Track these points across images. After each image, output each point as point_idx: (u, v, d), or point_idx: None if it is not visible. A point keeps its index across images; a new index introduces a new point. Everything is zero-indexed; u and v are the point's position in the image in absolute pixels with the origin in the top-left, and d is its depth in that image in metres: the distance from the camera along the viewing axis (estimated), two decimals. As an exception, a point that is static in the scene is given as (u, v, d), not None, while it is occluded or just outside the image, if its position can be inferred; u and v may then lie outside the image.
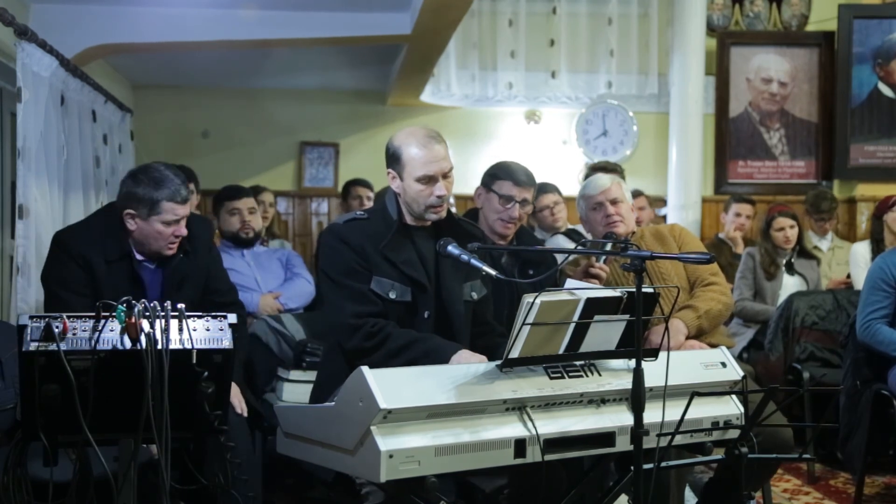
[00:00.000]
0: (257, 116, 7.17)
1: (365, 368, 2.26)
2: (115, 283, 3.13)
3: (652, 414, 2.36)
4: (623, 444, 2.47)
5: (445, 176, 2.93)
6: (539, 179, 5.96)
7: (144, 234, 3.17)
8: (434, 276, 2.99)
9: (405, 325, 2.93)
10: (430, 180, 2.90)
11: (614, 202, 3.57)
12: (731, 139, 7.32)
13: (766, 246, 5.42)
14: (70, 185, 4.35)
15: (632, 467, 2.36)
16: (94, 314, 2.27)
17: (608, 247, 3.23)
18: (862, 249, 5.53)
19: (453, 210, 3.40)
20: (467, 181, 5.85)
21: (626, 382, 2.45)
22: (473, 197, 3.79)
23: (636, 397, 2.32)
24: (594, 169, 4.79)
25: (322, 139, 7.27)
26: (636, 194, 6.25)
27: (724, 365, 2.73)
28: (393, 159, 2.97)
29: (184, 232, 3.21)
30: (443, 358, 2.73)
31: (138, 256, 3.22)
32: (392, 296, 2.91)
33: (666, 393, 2.41)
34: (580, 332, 2.44)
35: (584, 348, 2.48)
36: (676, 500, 3.12)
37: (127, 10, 4.94)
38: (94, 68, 5.23)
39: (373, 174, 6.44)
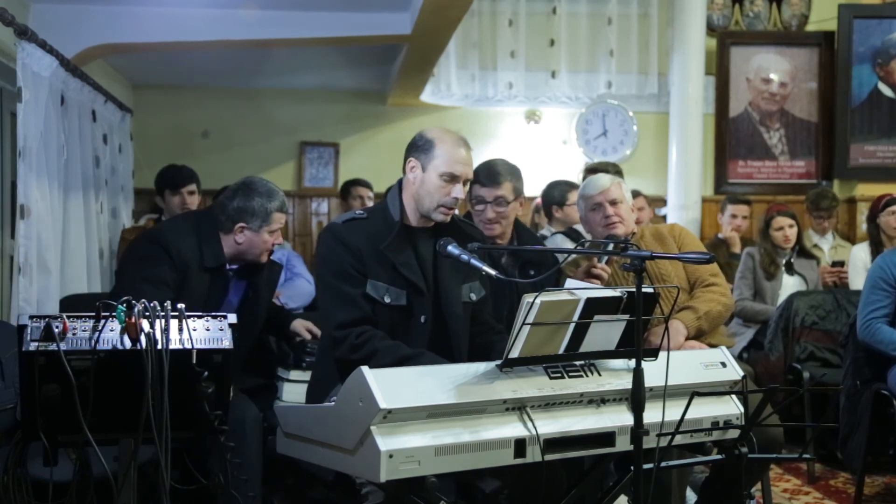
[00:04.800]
0: (257, 116, 7.17)
1: (365, 368, 2.25)
2: (204, 290, 3.34)
3: (652, 414, 2.36)
4: (623, 444, 2.47)
5: (465, 182, 2.96)
6: (539, 179, 6.00)
7: (252, 244, 3.40)
8: (433, 279, 2.99)
9: (401, 329, 2.92)
10: (452, 179, 2.91)
11: (613, 203, 3.56)
12: (731, 139, 7.32)
13: (765, 246, 5.43)
14: (70, 185, 4.35)
15: (632, 467, 2.36)
16: (93, 314, 2.27)
17: (610, 247, 3.22)
18: (861, 252, 5.54)
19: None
20: (467, 181, 5.85)
21: (626, 382, 2.44)
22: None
23: (636, 397, 2.32)
24: (590, 171, 4.78)
25: (322, 139, 7.27)
26: (634, 195, 6.25)
27: (723, 365, 2.73)
28: (422, 149, 2.95)
29: (280, 239, 3.48)
30: None
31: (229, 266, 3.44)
32: (387, 300, 2.90)
33: (666, 393, 2.40)
34: (580, 332, 2.44)
35: (584, 348, 2.48)
36: (678, 501, 3.12)
37: (127, 10, 4.94)
38: (94, 68, 5.23)
39: (373, 174, 6.44)
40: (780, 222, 5.43)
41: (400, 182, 3.04)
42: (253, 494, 3.03)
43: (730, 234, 6.14)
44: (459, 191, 2.93)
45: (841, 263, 5.62)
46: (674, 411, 2.41)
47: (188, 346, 2.28)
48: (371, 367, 2.26)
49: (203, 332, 2.35)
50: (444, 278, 2.99)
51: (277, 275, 3.69)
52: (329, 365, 2.97)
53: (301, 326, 3.75)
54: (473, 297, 3.07)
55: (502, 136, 7.30)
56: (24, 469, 2.36)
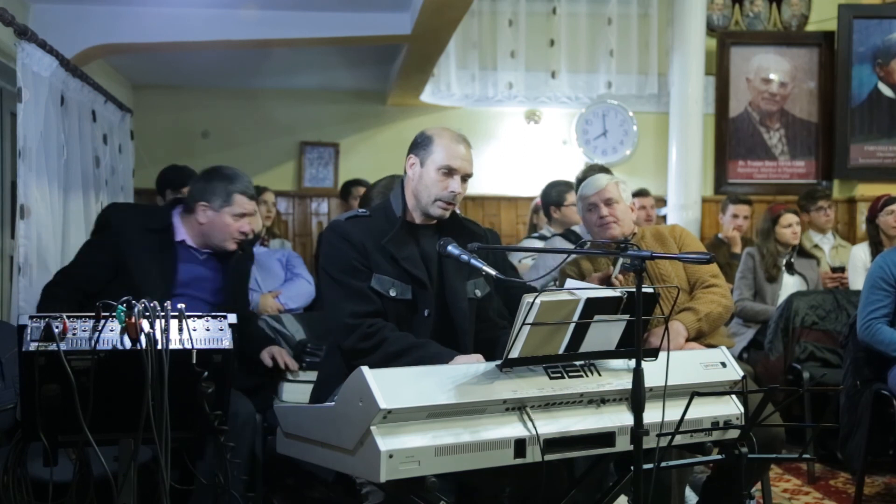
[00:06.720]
0: (257, 116, 7.18)
1: (365, 368, 2.25)
2: (151, 252, 3.37)
3: (652, 414, 2.36)
4: (623, 444, 2.47)
5: (464, 178, 2.97)
6: (539, 180, 5.99)
7: (214, 226, 3.42)
8: (437, 275, 3.00)
9: (405, 323, 2.93)
10: (450, 173, 2.93)
11: (609, 203, 3.55)
12: (731, 139, 7.33)
13: (767, 246, 5.43)
14: (70, 185, 4.35)
15: (632, 467, 2.36)
16: (93, 314, 2.27)
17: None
18: (861, 252, 5.55)
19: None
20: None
21: (626, 382, 2.45)
22: None
23: (636, 397, 2.32)
24: (579, 181, 4.75)
25: (322, 139, 7.28)
26: (643, 193, 6.27)
27: (723, 365, 2.73)
28: (421, 145, 2.98)
29: (248, 229, 3.46)
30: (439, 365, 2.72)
31: (194, 246, 3.46)
32: (392, 294, 2.91)
33: (666, 393, 2.41)
34: (580, 332, 2.44)
35: (584, 348, 2.48)
36: (678, 501, 3.12)
37: (127, 10, 4.94)
38: (94, 68, 5.23)
39: (373, 174, 6.39)
40: (788, 219, 5.44)
41: (403, 181, 3.05)
42: (252, 494, 3.03)
43: (731, 233, 6.15)
44: (457, 185, 2.94)
45: (842, 269, 5.63)
46: (674, 411, 2.41)
47: (188, 346, 2.29)
48: (379, 354, 2.26)
49: (203, 332, 2.35)
50: (449, 274, 3.00)
51: (246, 265, 3.71)
52: (335, 365, 2.96)
53: (267, 355, 3.66)
54: (478, 293, 3.08)
55: (502, 136, 7.30)
56: (24, 469, 2.36)
